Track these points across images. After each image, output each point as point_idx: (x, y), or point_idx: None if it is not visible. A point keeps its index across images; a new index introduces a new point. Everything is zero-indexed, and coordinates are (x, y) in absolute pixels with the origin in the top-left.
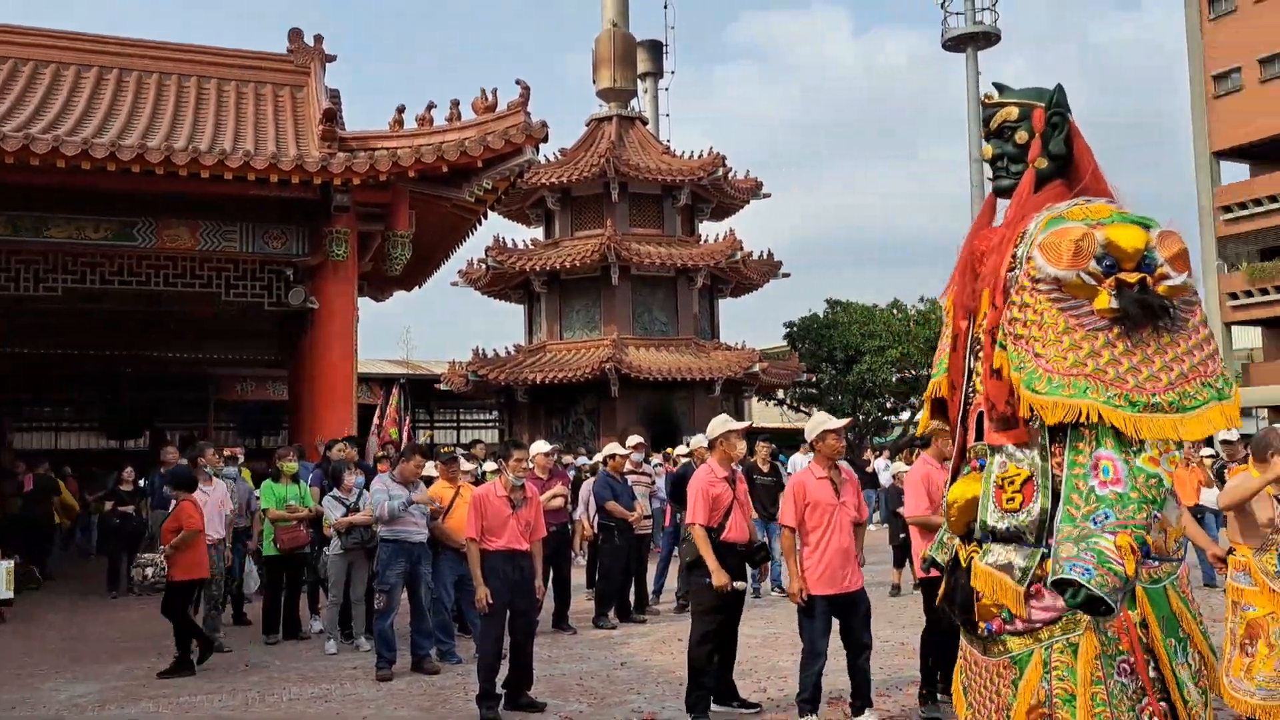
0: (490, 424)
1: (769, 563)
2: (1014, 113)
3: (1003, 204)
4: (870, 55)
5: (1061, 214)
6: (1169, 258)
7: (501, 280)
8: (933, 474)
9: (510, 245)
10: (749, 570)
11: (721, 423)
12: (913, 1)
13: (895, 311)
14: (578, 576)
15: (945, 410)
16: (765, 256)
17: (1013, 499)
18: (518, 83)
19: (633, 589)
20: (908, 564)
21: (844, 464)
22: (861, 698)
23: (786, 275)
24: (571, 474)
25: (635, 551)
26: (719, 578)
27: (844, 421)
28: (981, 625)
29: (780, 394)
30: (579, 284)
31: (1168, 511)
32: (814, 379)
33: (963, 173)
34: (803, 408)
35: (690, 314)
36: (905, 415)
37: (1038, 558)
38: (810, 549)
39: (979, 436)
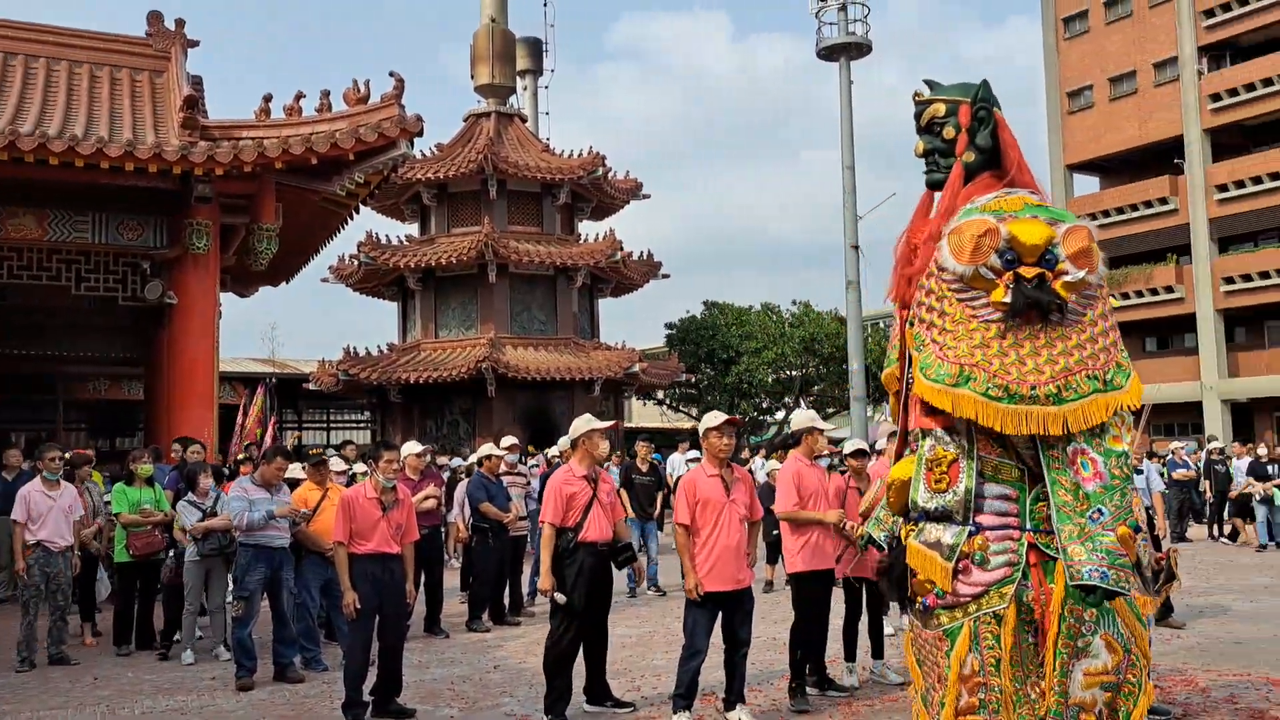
0: (362, 425)
1: (648, 563)
2: (941, 109)
3: (938, 198)
4: (749, 60)
5: (978, 207)
6: (1071, 254)
7: (375, 277)
8: (803, 470)
9: (384, 241)
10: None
11: (584, 422)
12: (789, 10)
13: (770, 313)
14: (452, 579)
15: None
16: (645, 257)
17: (940, 480)
18: (392, 75)
19: (507, 591)
20: (780, 560)
21: (736, 464)
22: (735, 693)
23: (666, 276)
24: (446, 475)
25: (510, 553)
26: (544, 581)
27: (724, 419)
28: (918, 600)
29: (660, 394)
30: (455, 281)
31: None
32: (693, 379)
33: (837, 178)
34: (682, 408)
35: (570, 313)
36: (780, 415)
37: (964, 535)
38: (700, 546)
39: None
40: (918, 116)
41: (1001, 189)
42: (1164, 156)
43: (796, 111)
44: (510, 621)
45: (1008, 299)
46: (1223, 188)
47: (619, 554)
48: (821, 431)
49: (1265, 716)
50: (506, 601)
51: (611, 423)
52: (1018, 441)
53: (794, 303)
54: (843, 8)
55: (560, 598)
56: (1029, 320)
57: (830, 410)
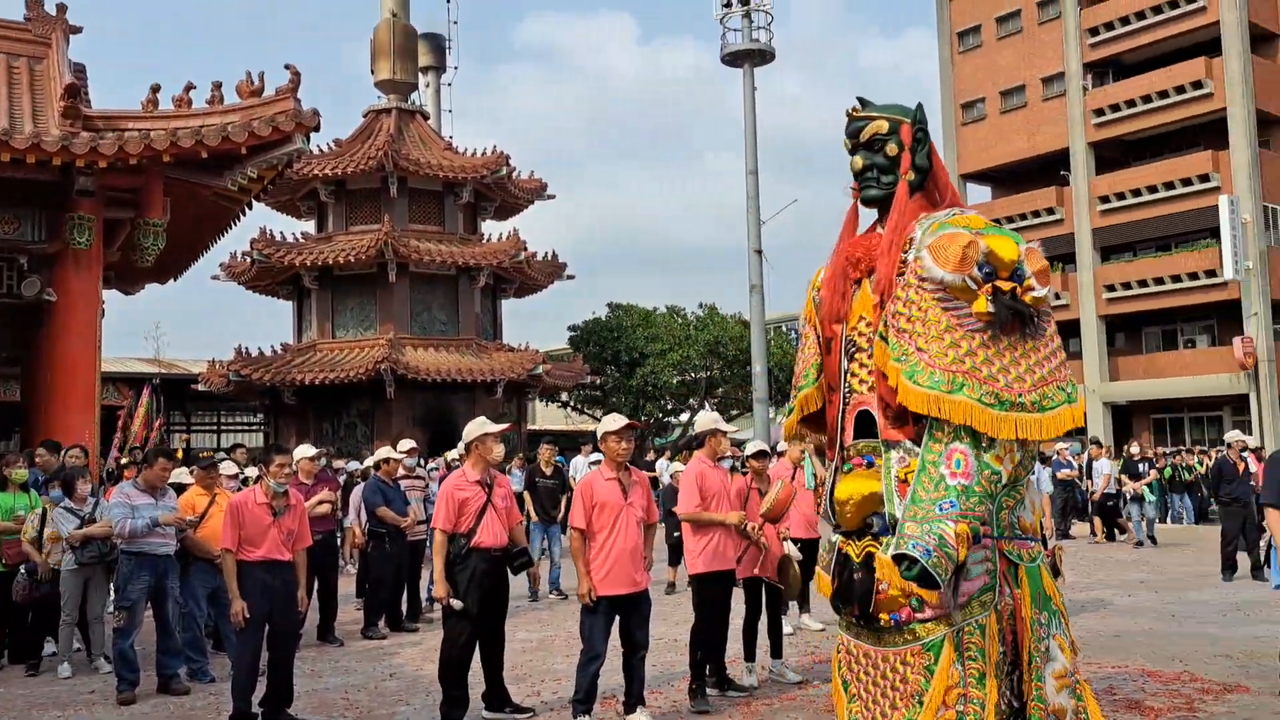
0: (255, 427)
1: (551, 567)
2: (884, 126)
3: (867, 213)
4: (655, 64)
5: (945, 221)
6: (1035, 271)
7: (269, 275)
8: (706, 472)
9: (279, 238)
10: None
11: (477, 425)
12: (694, 15)
13: (675, 316)
14: (347, 586)
15: (817, 419)
16: (550, 258)
17: None
18: (287, 68)
19: (405, 597)
20: (682, 561)
21: (634, 466)
22: (634, 696)
23: (571, 277)
24: (342, 479)
25: (408, 558)
26: (438, 589)
27: (624, 423)
28: (885, 617)
29: (564, 396)
30: (353, 280)
31: (1031, 494)
32: (598, 381)
33: (742, 183)
34: (586, 410)
35: (472, 314)
36: (685, 417)
37: None
38: (597, 550)
39: (857, 435)
40: (856, 133)
41: (950, 208)
42: (1051, 168)
43: (702, 116)
44: (407, 628)
45: (991, 309)
46: (1105, 199)
47: (514, 559)
48: (725, 433)
49: (1141, 706)
50: (404, 608)
51: (506, 426)
52: (1002, 451)
53: (700, 305)
54: (747, 15)
55: (454, 604)
56: (1008, 331)
57: (734, 412)
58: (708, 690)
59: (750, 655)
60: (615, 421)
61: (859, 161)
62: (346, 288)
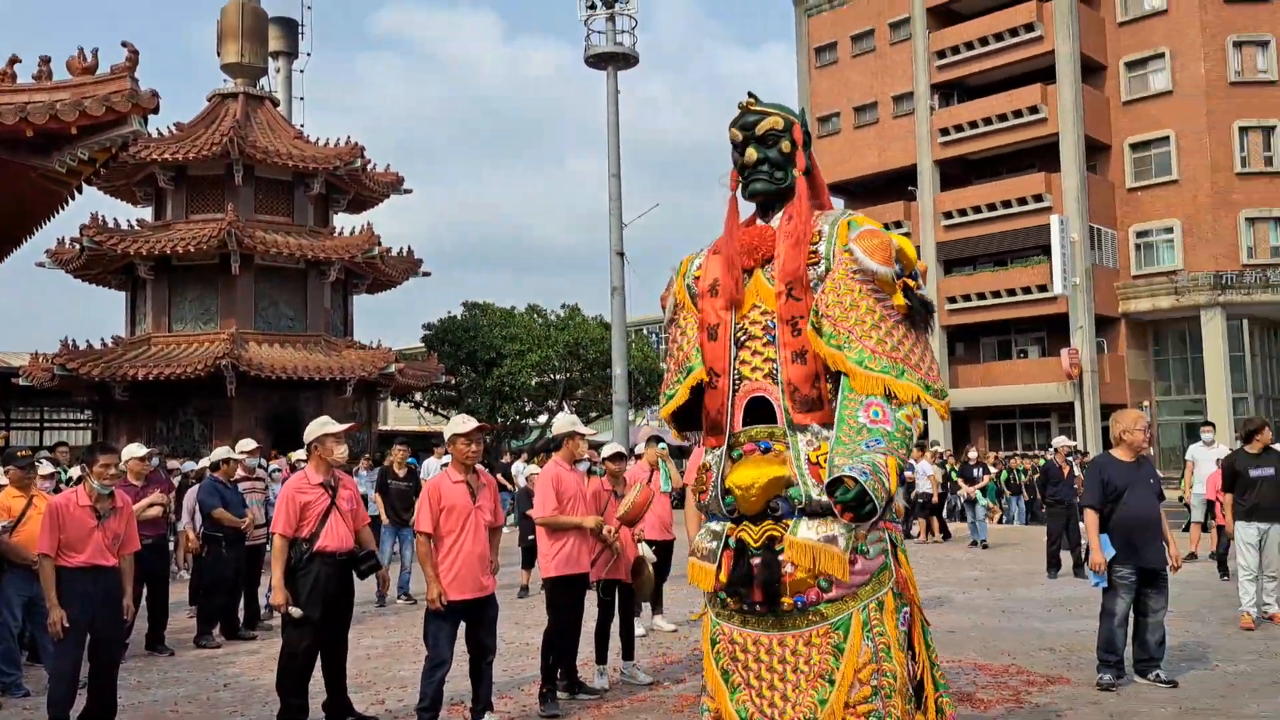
0: (82, 425)
1: (401, 570)
2: (780, 123)
3: (747, 206)
4: (519, 62)
5: (851, 219)
6: (921, 273)
7: (100, 263)
8: (562, 475)
9: (112, 224)
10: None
11: (318, 425)
12: (559, 15)
13: (535, 316)
14: (180, 593)
15: (682, 413)
16: (405, 253)
17: None
18: (125, 45)
19: (243, 604)
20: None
21: (483, 469)
22: (481, 702)
23: (427, 274)
24: (178, 480)
25: (246, 563)
26: (276, 596)
27: (473, 425)
28: (790, 600)
29: (418, 396)
30: (194, 271)
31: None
32: (453, 381)
33: (604, 185)
34: (441, 411)
35: (321, 309)
36: (544, 418)
37: (853, 527)
38: (444, 554)
39: (746, 422)
40: (750, 125)
41: (835, 209)
42: (900, 183)
43: (565, 117)
44: (245, 636)
45: (908, 302)
46: (948, 215)
47: (361, 563)
48: (583, 436)
49: (973, 699)
50: (241, 615)
51: (348, 426)
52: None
53: (563, 306)
54: (611, 18)
55: (294, 612)
56: (916, 325)
57: (593, 415)
58: (558, 694)
59: (602, 658)
60: (465, 423)
61: (753, 154)
62: (186, 279)
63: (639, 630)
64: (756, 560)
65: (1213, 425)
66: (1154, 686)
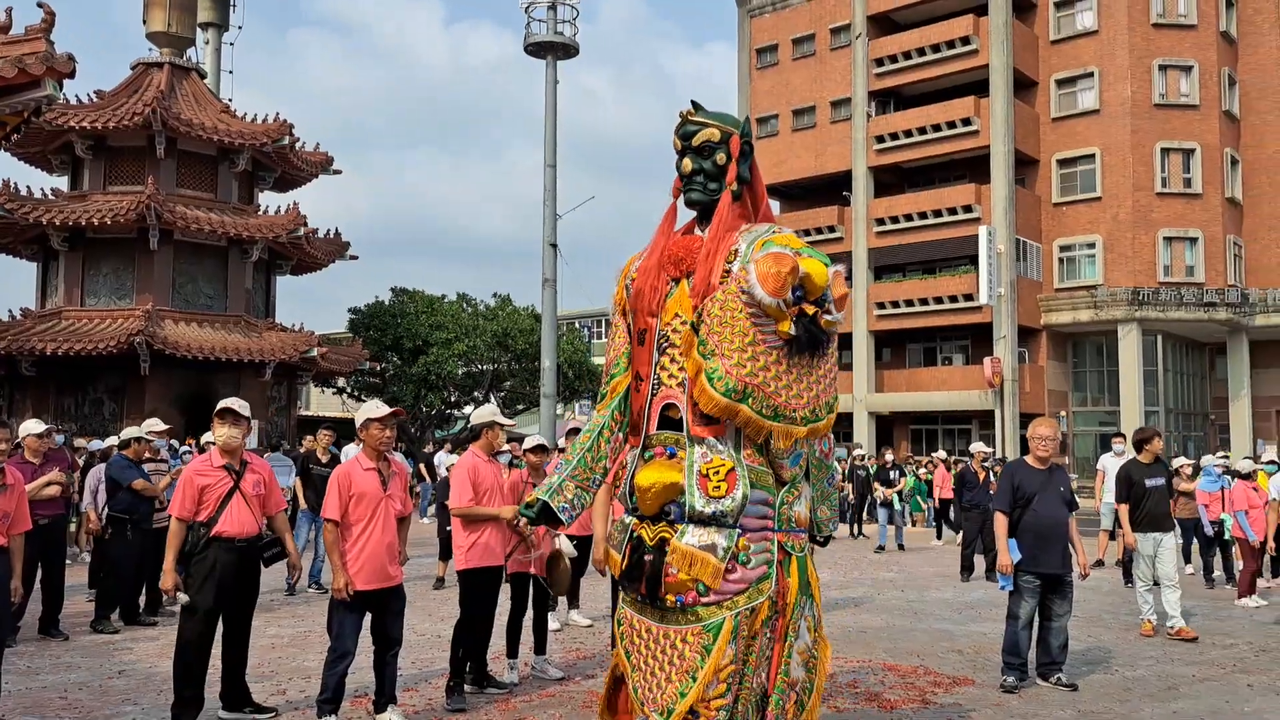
0: None
1: (314, 558)
2: (716, 135)
3: (685, 213)
4: (458, 48)
5: (770, 239)
6: (836, 298)
7: (10, 232)
8: (479, 466)
9: (24, 192)
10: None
11: (219, 406)
12: (500, 2)
13: (465, 305)
14: (80, 576)
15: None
16: (332, 235)
17: (719, 487)
18: (40, 5)
19: (145, 589)
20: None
21: (397, 456)
22: (385, 694)
23: (355, 258)
24: (83, 459)
25: (151, 546)
26: (166, 580)
27: (387, 410)
28: (671, 598)
29: (341, 382)
30: (110, 245)
31: (804, 488)
32: (378, 368)
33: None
34: (364, 397)
35: (242, 289)
36: (470, 408)
37: (735, 537)
38: (352, 542)
39: (661, 426)
40: (688, 136)
41: (765, 223)
42: (835, 188)
43: (503, 106)
44: (145, 622)
45: (793, 332)
46: (880, 221)
47: (265, 549)
48: (502, 427)
49: (880, 698)
50: (143, 600)
51: (237, 401)
52: (776, 453)
53: (494, 296)
54: (552, 6)
55: (181, 597)
56: (801, 353)
57: (520, 407)
58: (466, 688)
59: (514, 652)
60: (378, 408)
61: (688, 164)
62: (101, 252)
63: (554, 625)
64: (649, 558)
65: (1124, 436)
66: (1055, 689)
